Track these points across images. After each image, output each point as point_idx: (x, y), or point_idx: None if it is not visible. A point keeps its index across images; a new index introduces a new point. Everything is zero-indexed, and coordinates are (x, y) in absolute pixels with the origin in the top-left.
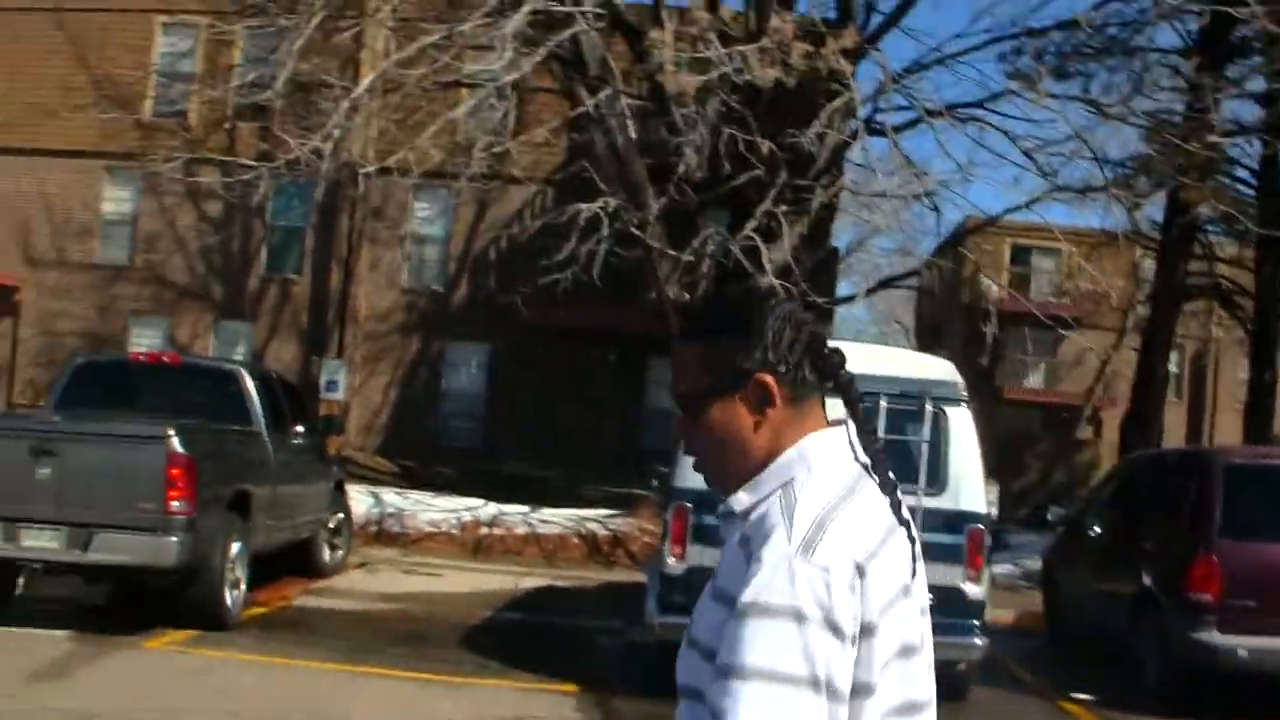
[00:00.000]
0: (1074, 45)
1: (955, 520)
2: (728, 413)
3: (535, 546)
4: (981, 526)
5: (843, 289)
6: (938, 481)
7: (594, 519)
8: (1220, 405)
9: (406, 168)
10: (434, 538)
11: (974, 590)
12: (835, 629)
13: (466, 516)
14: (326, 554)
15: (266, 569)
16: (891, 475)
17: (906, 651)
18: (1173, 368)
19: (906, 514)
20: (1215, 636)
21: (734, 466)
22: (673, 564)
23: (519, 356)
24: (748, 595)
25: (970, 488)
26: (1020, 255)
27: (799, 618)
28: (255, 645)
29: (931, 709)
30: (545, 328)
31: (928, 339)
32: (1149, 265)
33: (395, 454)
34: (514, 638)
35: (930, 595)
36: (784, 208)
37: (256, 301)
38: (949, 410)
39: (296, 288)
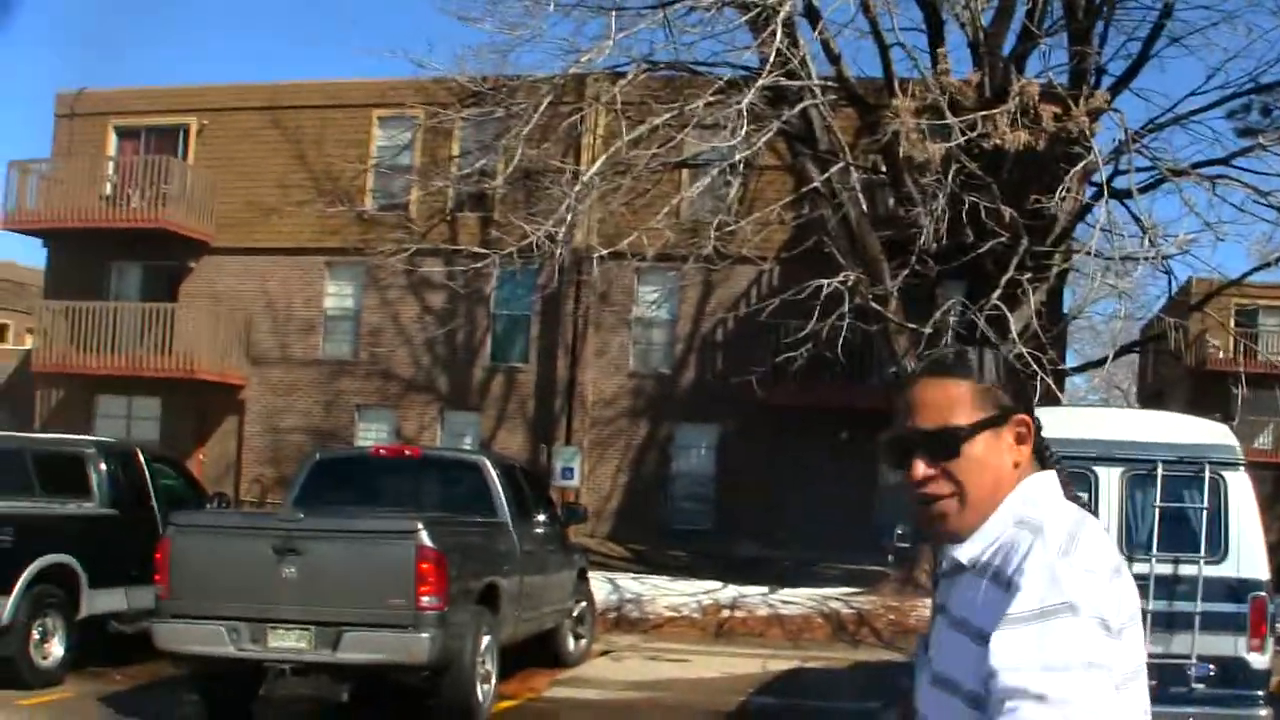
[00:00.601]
0: None
1: (1238, 588)
2: (993, 448)
3: (778, 628)
4: (1264, 594)
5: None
6: (1218, 549)
7: (835, 598)
8: None
9: (639, 250)
10: (674, 622)
11: (1259, 660)
12: (1105, 624)
13: (706, 600)
14: (571, 643)
15: (512, 660)
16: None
17: (1134, 675)
18: None
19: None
20: None
21: (985, 504)
22: None
23: (748, 437)
24: (1019, 607)
25: (1252, 554)
26: (1246, 315)
27: (1074, 610)
28: None
29: None
30: (774, 407)
31: (1151, 405)
32: None
33: (625, 538)
34: None
35: (1211, 666)
36: (1027, 275)
37: (483, 391)
38: (1227, 475)
39: (522, 375)
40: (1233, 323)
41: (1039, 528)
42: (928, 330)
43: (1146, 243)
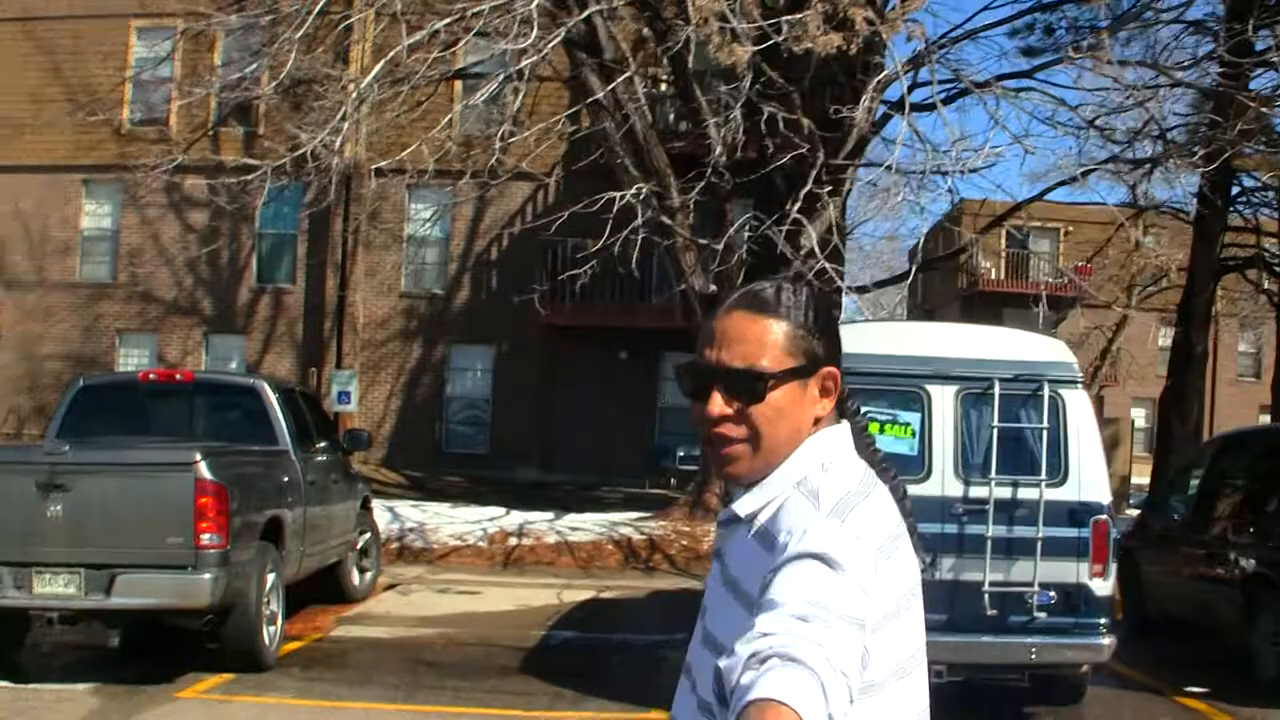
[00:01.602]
0: (1089, 19)
1: (1079, 512)
2: (797, 399)
3: (569, 556)
4: (1106, 518)
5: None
6: (1059, 471)
7: (625, 523)
8: (1220, 378)
9: (418, 164)
10: (460, 552)
11: (1101, 587)
12: (863, 592)
13: (491, 527)
14: (356, 578)
15: (294, 598)
16: (897, 476)
17: (900, 672)
18: (1169, 341)
19: (913, 520)
20: None
21: (777, 455)
22: None
23: (524, 358)
24: (783, 557)
25: (1093, 477)
26: (1017, 237)
27: (834, 565)
28: (300, 687)
29: None
30: (551, 327)
31: None
32: (1147, 242)
33: (400, 464)
34: (577, 659)
35: (1052, 593)
36: (828, 189)
37: (249, 313)
38: (1066, 394)
39: (290, 297)
40: (1004, 244)
41: (815, 491)
42: (719, 247)
43: (952, 155)
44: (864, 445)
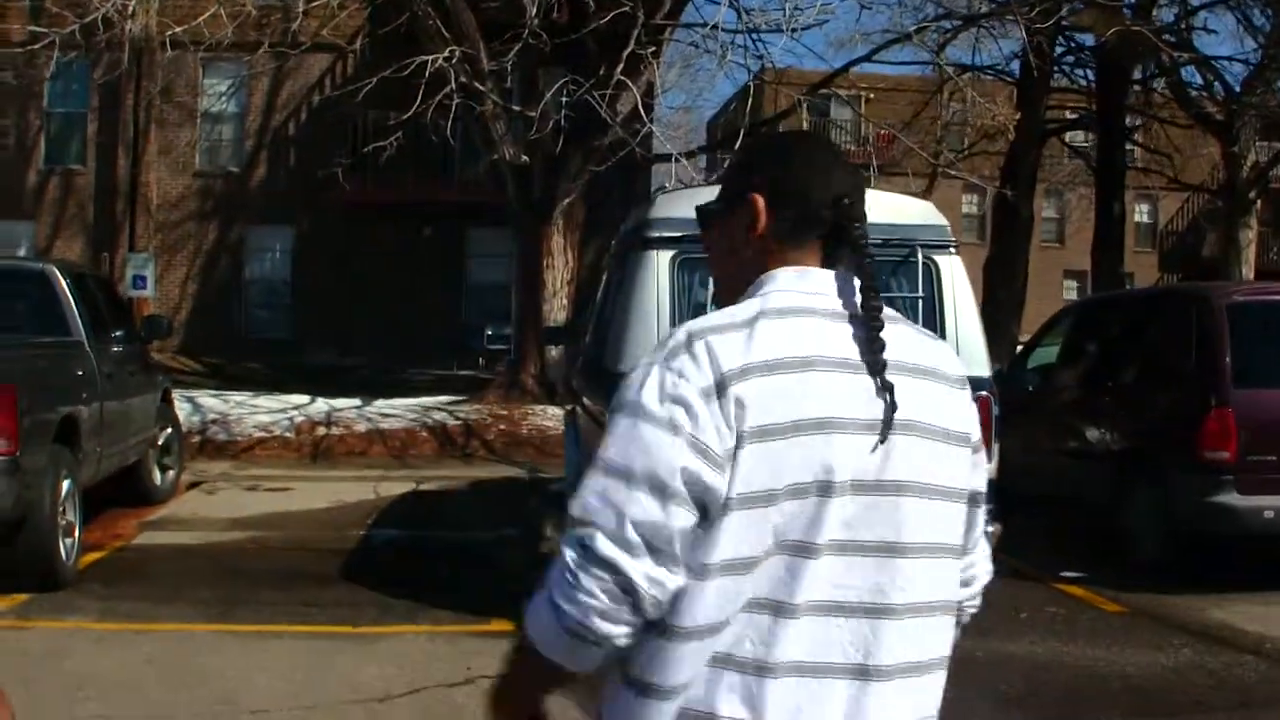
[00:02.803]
0: None
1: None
2: (725, 232)
3: (381, 445)
4: (988, 394)
5: None
6: None
7: (439, 408)
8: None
9: (218, 31)
10: (266, 444)
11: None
12: (674, 427)
13: (298, 416)
14: (158, 477)
15: (92, 501)
16: (882, 336)
17: (799, 492)
18: (975, 209)
19: (891, 380)
20: (1235, 498)
21: (726, 286)
22: None
23: (325, 238)
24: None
25: (973, 348)
26: (817, 107)
27: (638, 413)
28: (104, 607)
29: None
30: (353, 205)
31: None
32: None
33: (199, 352)
34: (402, 562)
35: None
36: (651, 49)
37: (37, 197)
38: (940, 259)
39: (81, 178)
40: (805, 113)
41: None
42: (534, 114)
43: (785, 12)
44: (869, 298)
